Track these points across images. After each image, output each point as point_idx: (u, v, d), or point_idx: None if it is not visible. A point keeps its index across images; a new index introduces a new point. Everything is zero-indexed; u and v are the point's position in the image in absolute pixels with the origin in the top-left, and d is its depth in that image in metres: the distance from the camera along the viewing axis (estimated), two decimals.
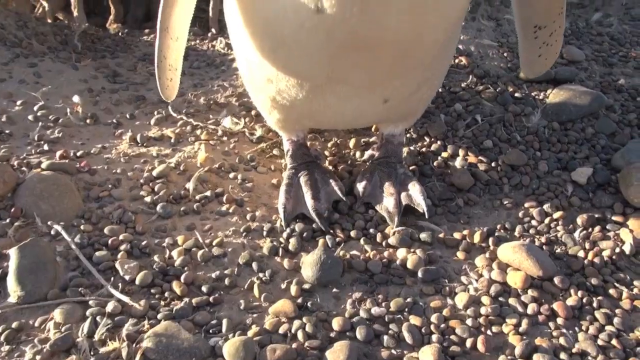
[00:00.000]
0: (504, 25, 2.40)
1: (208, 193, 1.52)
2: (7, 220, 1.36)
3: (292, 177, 1.54)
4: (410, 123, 1.62)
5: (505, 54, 2.20)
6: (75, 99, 1.85)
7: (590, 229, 1.45)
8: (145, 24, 3.49)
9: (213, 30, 2.62)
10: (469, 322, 1.18)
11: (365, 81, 1.26)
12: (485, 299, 1.23)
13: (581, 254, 1.36)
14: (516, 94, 1.98)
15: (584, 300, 1.24)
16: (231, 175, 1.61)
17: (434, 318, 1.19)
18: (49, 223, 1.36)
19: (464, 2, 1.18)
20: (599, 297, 1.24)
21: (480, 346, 1.12)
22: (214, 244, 1.37)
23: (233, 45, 1.47)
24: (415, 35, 1.14)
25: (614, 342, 1.14)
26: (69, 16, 2.85)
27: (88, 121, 1.79)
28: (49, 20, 2.57)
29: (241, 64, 1.48)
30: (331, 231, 1.42)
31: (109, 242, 1.33)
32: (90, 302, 1.18)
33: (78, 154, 1.62)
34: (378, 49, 1.15)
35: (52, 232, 1.35)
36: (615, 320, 1.19)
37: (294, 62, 1.25)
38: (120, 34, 2.59)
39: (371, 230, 1.44)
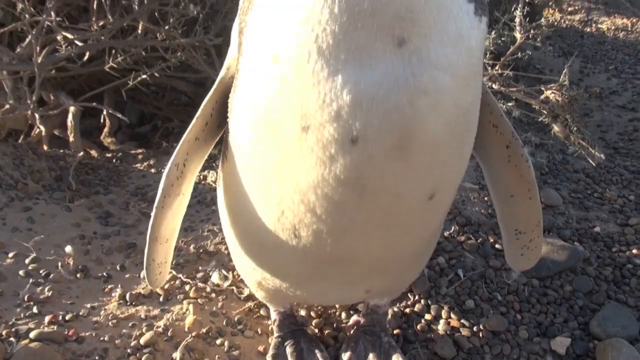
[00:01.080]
0: None
1: None
2: None
3: (279, 346, 1.57)
4: (395, 296, 1.67)
5: (485, 198, 2.30)
6: (67, 249, 1.88)
7: None
8: (139, 128, 3.61)
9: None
10: None
11: (345, 281, 1.33)
12: None
13: None
14: (497, 245, 2.05)
15: None
16: (218, 341, 1.62)
17: None
18: None
19: (440, 217, 1.26)
20: None
21: None
22: None
23: (222, 228, 1.52)
24: (390, 252, 1.21)
25: None
26: (65, 132, 2.93)
27: (78, 275, 1.81)
28: (45, 147, 2.64)
29: (229, 245, 1.53)
30: None
31: None
32: None
33: (67, 317, 1.63)
34: (354, 264, 1.22)
35: None
36: None
37: (275, 265, 1.32)
38: (114, 160, 2.66)
39: None
